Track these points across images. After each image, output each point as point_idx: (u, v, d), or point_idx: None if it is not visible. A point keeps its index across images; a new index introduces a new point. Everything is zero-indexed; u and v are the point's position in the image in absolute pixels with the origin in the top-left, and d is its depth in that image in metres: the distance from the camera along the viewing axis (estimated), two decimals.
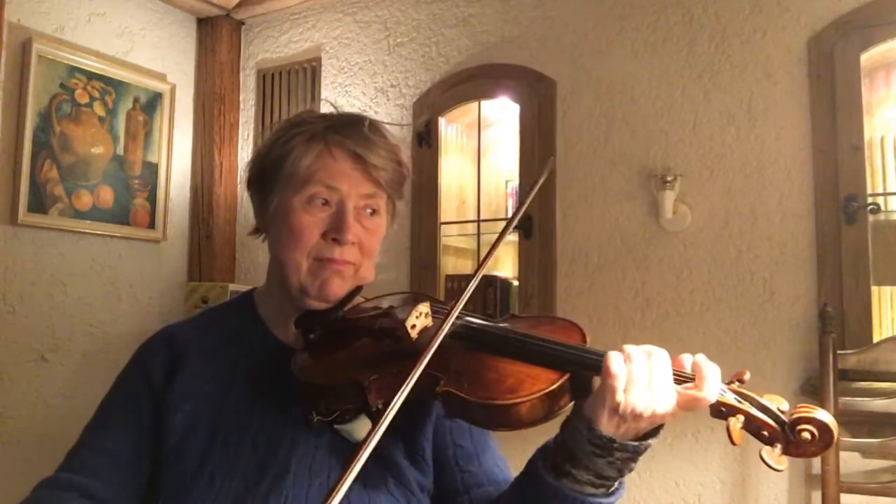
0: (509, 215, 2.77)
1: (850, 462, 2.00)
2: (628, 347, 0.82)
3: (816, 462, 2.03)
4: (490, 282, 2.72)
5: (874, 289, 2.07)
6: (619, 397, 0.78)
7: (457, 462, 1.01)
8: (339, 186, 0.99)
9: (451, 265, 2.89)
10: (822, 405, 1.93)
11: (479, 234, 2.79)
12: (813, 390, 2.05)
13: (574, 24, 2.59)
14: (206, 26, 3.34)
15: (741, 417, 0.77)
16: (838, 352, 1.99)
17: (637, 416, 0.79)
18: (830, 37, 2.16)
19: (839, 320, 2.05)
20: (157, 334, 1.08)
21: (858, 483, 1.98)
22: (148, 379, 1.02)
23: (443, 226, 2.79)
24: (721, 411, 0.79)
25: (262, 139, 1.07)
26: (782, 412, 0.78)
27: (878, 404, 1.95)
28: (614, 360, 0.80)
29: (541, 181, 1.04)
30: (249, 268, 3.27)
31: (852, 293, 2.07)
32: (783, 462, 0.76)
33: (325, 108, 1.13)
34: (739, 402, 0.79)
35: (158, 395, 1.00)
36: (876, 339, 2.02)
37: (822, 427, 0.75)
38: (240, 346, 1.04)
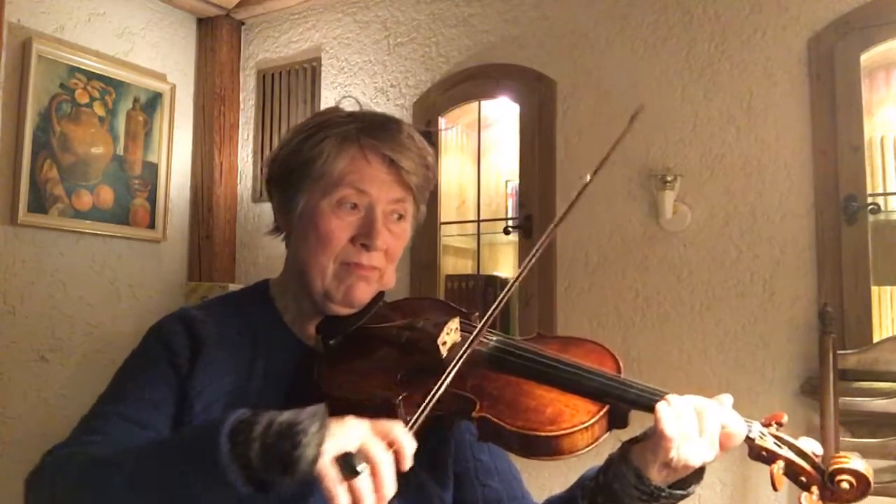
0: (510, 215, 2.77)
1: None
2: (677, 402, 0.82)
3: None
4: (490, 282, 2.72)
5: (874, 289, 2.07)
6: (674, 454, 0.80)
7: (477, 476, 1.01)
8: (370, 190, 0.97)
9: (451, 265, 2.89)
10: (822, 405, 1.94)
11: (479, 234, 2.79)
12: (813, 390, 2.05)
13: (574, 24, 2.59)
14: (206, 26, 3.34)
15: (782, 464, 0.81)
16: (838, 352, 1.99)
17: (689, 468, 0.81)
18: (830, 37, 2.15)
19: (839, 320, 2.05)
20: (173, 316, 1.02)
21: None
22: (172, 358, 0.95)
23: (443, 226, 2.79)
24: (762, 456, 0.82)
25: (286, 136, 1.04)
26: (817, 456, 0.81)
27: (878, 404, 1.95)
28: (668, 421, 0.80)
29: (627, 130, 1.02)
30: (249, 268, 3.27)
31: (852, 293, 2.07)
32: None
33: (347, 105, 1.11)
34: (779, 446, 0.82)
35: (183, 377, 0.94)
36: (876, 339, 2.02)
37: (860, 477, 0.79)
38: (258, 341, 1.00)
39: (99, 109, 2.90)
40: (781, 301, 2.18)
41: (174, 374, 0.94)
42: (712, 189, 2.31)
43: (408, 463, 0.72)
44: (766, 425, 0.83)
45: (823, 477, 0.79)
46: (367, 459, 0.70)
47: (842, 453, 0.81)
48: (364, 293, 0.98)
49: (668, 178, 2.31)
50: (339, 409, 0.88)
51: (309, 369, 0.95)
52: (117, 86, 2.97)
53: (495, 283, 2.71)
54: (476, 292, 2.68)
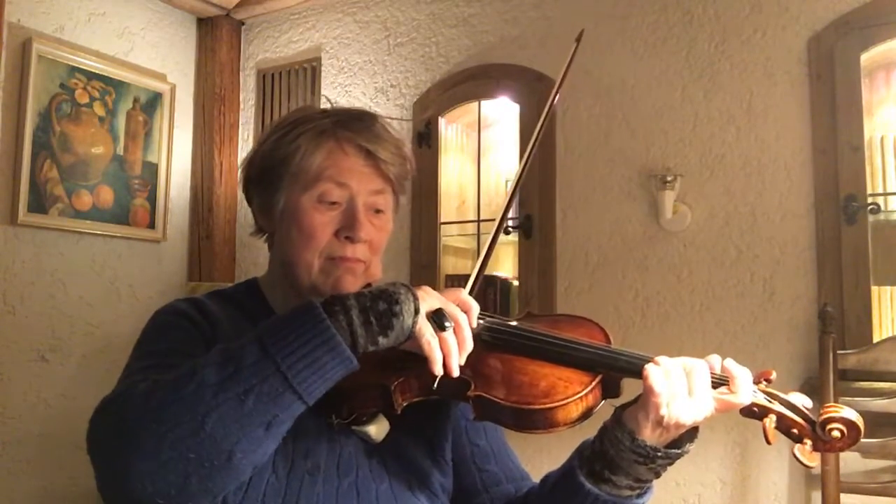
0: (509, 215, 2.77)
1: (850, 462, 2.00)
2: (666, 362, 0.84)
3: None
4: (490, 282, 2.72)
5: (874, 289, 2.07)
6: (664, 411, 0.81)
7: (474, 461, 1.02)
8: (350, 183, 0.97)
9: (451, 265, 2.89)
10: (822, 405, 1.94)
11: (479, 234, 2.79)
12: (813, 390, 2.04)
13: (574, 24, 2.58)
14: (206, 26, 3.34)
15: (773, 417, 0.82)
16: (838, 352, 1.99)
17: (680, 426, 0.82)
18: (830, 37, 2.15)
19: (839, 320, 2.05)
20: (181, 300, 0.99)
21: (858, 483, 1.98)
22: (197, 328, 0.93)
23: (443, 226, 2.79)
24: (753, 412, 0.83)
25: (261, 137, 1.04)
26: (809, 410, 0.82)
27: (878, 404, 1.95)
28: (656, 378, 0.82)
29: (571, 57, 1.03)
30: (249, 268, 3.27)
31: (852, 293, 2.07)
32: (815, 459, 0.80)
33: (325, 107, 1.11)
34: (770, 401, 0.83)
35: (208, 341, 0.91)
36: (876, 339, 2.02)
37: (851, 424, 0.79)
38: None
39: (99, 109, 2.90)
40: (781, 301, 2.18)
41: (200, 336, 0.92)
42: (712, 189, 2.31)
43: (475, 321, 0.84)
44: (756, 382, 0.85)
45: (815, 427, 0.80)
46: (452, 317, 0.80)
47: (832, 403, 0.83)
48: (351, 286, 0.98)
49: (668, 178, 2.31)
50: (335, 396, 0.89)
51: None
52: (117, 86, 2.97)
53: (495, 283, 2.71)
54: (476, 292, 2.67)
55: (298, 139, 0.97)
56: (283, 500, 0.87)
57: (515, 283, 2.70)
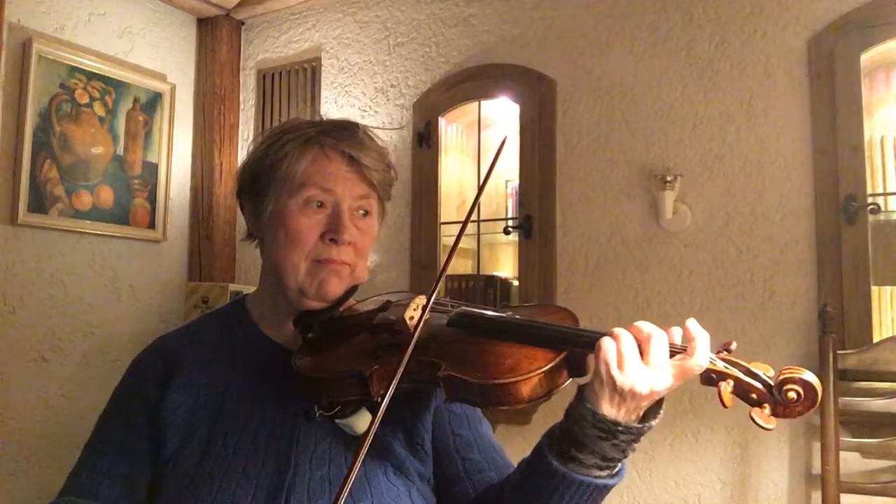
0: (510, 215, 2.77)
1: (850, 462, 2.00)
2: (617, 329, 0.85)
3: (816, 462, 2.03)
4: (490, 282, 2.72)
5: (874, 289, 2.07)
6: (615, 373, 0.81)
7: (457, 450, 1.04)
8: (335, 188, 1.01)
9: (451, 265, 2.88)
10: (822, 405, 1.94)
11: (479, 234, 2.79)
12: None
13: (574, 24, 2.59)
14: (206, 26, 3.34)
15: (731, 382, 0.81)
16: (838, 352, 1.99)
17: (636, 395, 0.81)
18: (830, 37, 2.16)
19: (839, 320, 2.05)
20: (149, 348, 1.10)
21: (858, 483, 1.98)
22: (141, 395, 1.03)
23: (443, 226, 2.79)
24: (711, 378, 0.83)
25: (251, 147, 1.10)
26: (769, 377, 0.82)
27: (878, 404, 1.95)
28: (605, 342, 0.83)
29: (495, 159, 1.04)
30: (249, 268, 3.27)
31: (852, 293, 2.07)
32: (772, 421, 0.79)
33: (325, 106, 1.16)
34: (727, 368, 0.83)
35: (153, 411, 1.01)
36: (876, 339, 2.02)
37: (807, 386, 0.78)
38: (234, 348, 1.06)
39: (99, 109, 2.90)
40: (781, 301, 2.18)
41: (144, 410, 1.01)
42: (712, 189, 2.31)
43: None
44: (717, 353, 0.85)
45: (771, 390, 0.80)
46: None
47: (791, 366, 0.81)
48: (337, 287, 1.02)
49: (668, 178, 2.31)
50: (315, 386, 0.94)
51: (278, 363, 1.01)
52: (117, 86, 2.97)
53: (495, 283, 2.71)
54: (476, 292, 2.68)
55: (285, 146, 1.03)
56: (252, 498, 0.92)
57: (515, 283, 2.70)
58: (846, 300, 2.07)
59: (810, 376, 0.79)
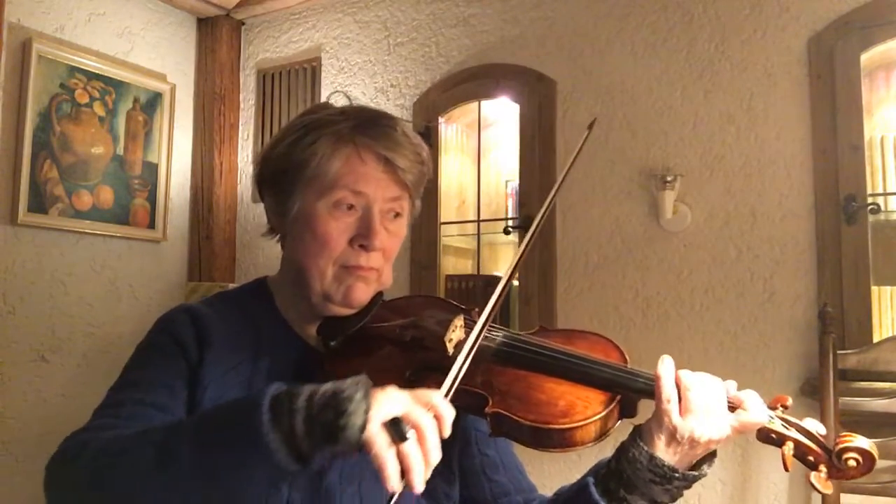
0: (510, 215, 2.77)
1: None
2: (682, 373, 0.83)
3: None
4: (490, 282, 2.72)
5: (874, 289, 2.07)
6: (676, 421, 0.80)
7: (484, 471, 1.01)
8: (366, 191, 0.96)
9: (451, 265, 2.89)
10: (822, 405, 1.94)
11: (479, 234, 2.79)
12: (813, 390, 2.05)
13: (574, 24, 2.59)
14: (206, 26, 3.34)
15: (791, 445, 0.82)
16: (838, 352, 1.99)
17: (694, 442, 0.81)
18: (830, 37, 2.15)
19: (839, 320, 2.05)
20: (177, 310, 1.01)
21: (858, 483, 1.98)
22: (183, 351, 0.94)
23: (443, 226, 2.79)
24: (771, 438, 0.83)
25: (276, 135, 1.02)
26: (822, 436, 0.83)
27: (878, 404, 1.95)
28: (667, 384, 0.82)
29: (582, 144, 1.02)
30: (249, 268, 3.27)
31: (852, 293, 2.07)
32: (830, 486, 0.81)
33: (338, 101, 1.10)
34: (787, 428, 0.83)
35: (193, 369, 0.93)
36: (876, 339, 2.02)
37: (866, 455, 0.81)
38: (261, 338, 0.99)
39: (99, 109, 2.90)
40: (781, 301, 2.18)
41: (185, 363, 0.93)
42: (712, 189, 2.31)
43: (447, 431, 0.72)
44: (773, 408, 0.85)
45: (831, 456, 0.81)
46: (414, 425, 0.70)
47: (846, 433, 0.83)
48: (363, 293, 0.97)
49: (668, 178, 2.31)
50: None
51: (310, 369, 0.95)
52: (117, 86, 2.97)
53: (495, 284, 2.70)
54: (476, 292, 2.68)
55: (315, 144, 0.95)
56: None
57: (515, 283, 2.69)
58: (846, 300, 2.07)
59: (867, 443, 0.82)
